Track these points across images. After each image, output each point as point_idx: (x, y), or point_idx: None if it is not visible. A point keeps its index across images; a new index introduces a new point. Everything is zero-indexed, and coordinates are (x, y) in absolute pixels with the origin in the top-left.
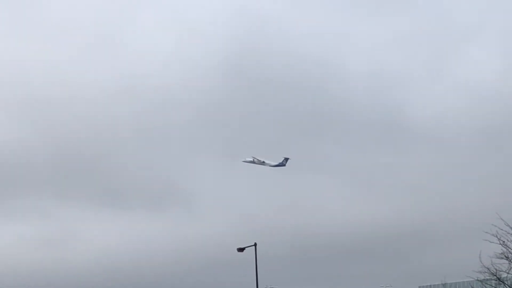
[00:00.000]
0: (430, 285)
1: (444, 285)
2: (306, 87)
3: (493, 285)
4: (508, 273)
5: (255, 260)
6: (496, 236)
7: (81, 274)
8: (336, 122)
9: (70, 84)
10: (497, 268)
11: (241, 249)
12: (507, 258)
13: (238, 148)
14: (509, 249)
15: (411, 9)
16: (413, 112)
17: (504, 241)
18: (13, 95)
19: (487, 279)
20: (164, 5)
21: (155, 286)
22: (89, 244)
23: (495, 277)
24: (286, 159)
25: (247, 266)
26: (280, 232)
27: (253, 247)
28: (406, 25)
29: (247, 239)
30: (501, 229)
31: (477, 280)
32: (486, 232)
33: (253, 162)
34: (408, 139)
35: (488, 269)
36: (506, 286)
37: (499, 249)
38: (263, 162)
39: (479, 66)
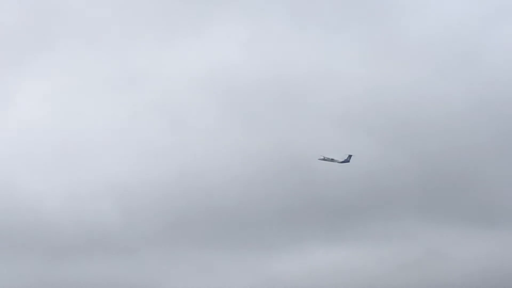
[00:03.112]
0: None
1: None
2: None
3: None
4: None
5: None
6: None
7: None
8: None
9: (423, 104)
10: None
11: None
12: None
13: None
14: None
15: None
16: None
17: None
18: (377, 118)
19: None
20: None
21: None
22: (455, 264)
23: None
24: (350, 156)
25: None
26: None
27: None
28: None
29: None
30: None
31: None
32: None
33: (324, 159)
34: None
35: None
36: None
37: None
38: (332, 159)
39: None
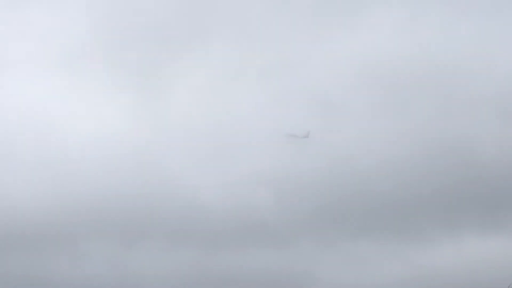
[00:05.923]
0: None
1: None
2: None
3: None
4: None
5: None
6: None
7: None
8: None
9: None
10: None
11: None
12: None
13: None
14: None
15: None
16: None
17: None
18: None
19: None
20: None
21: None
22: None
23: None
24: (308, 132)
25: None
26: None
27: None
28: None
29: None
30: None
31: None
32: None
33: (289, 135)
34: None
35: None
36: None
37: None
38: (295, 135)
39: None
